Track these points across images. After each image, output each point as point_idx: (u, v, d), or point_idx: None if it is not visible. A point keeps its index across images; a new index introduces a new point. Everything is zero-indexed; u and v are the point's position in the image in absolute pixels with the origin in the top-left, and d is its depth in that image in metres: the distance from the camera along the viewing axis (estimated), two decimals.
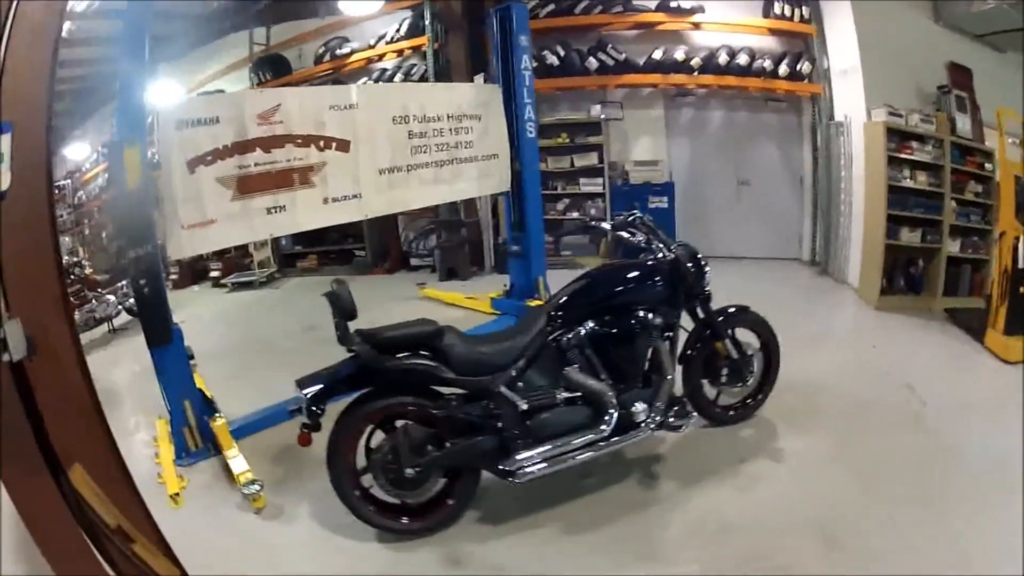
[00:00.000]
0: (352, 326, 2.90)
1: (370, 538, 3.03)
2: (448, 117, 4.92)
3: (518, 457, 3.01)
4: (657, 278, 3.36)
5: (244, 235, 3.86)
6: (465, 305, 6.21)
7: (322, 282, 6.79)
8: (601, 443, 3.12)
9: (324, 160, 4.08)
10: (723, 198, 7.86)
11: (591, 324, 3.20)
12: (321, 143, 4.05)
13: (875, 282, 5.97)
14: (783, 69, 7.16)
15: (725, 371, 3.65)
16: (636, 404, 3.18)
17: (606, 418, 3.11)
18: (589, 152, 8.03)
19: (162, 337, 3.44)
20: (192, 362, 3.76)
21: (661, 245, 3.49)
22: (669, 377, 3.28)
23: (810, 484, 3.29)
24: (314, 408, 2.84)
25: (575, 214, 8.01)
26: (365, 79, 8.39)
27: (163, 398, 3.60)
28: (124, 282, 6.35)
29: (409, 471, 2.93)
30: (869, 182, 6.10)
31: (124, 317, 6.44)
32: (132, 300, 6.22)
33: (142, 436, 3.90)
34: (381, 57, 8.42)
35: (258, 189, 3.76)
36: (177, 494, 3.33)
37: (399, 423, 2.99)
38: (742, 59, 7.31)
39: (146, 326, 3.45)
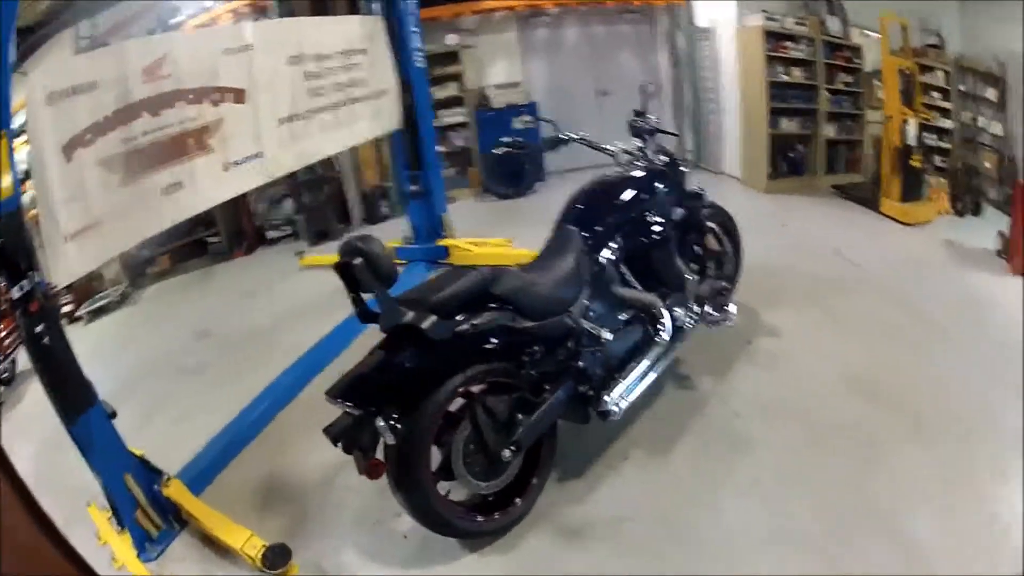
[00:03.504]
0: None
1: (457, 554, 2.50)
2: (339, 54, 4.15)
3: (605, 394, 2.72)
4: (664, 182, 3.30)
5: (142, 229, 2.85)
6: None
7: (180, 284, 5.82)
8: (664, 356, 2.98)
9: (220, 116, 3.14)
10: (584, 110, 7.74)
11: (619, 237, 3.02)
12: (215, 95, 3.11)
13: (762, 169, 6.56)
14: None
15: (711, 264, 3.66)
16: (676, 309, 3.05)
17: (660, 329, 2.94)
18: (448, 83, 7.52)
19: (82, 401, 2.42)
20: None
21: (656, 150, 3.44)
22: (689, 276, 3.23)
23: (818, 351, 3.58)
24: (393, 423, 2.18)
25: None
26: None
27: (96, 478, 2.57)
28: None
29: (506, 452, 2.43)
30: (747, 80, 6.57)
31: None
32: None
33: (79, 533, 2.70)
34: (215, 20, 7.18)
35: (150, 165, 2.79)
36: None
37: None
38: None
39: (57, 392, 2.38)
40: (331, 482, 2.93)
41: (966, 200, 5.47)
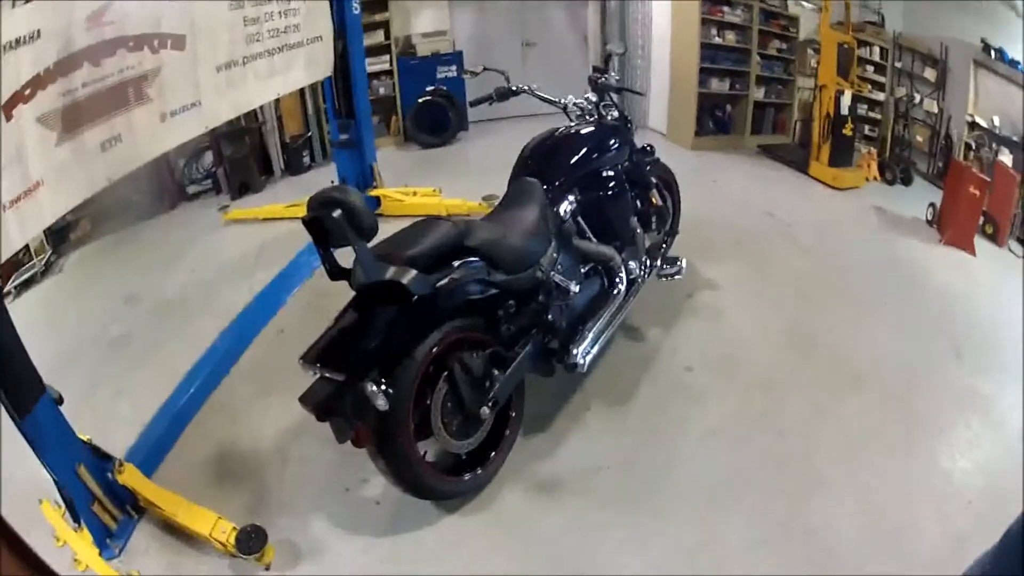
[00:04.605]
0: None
1: (433, 517, 2.46)
2: None
3: (572, 347, 2.75)
4: (617, 137, 3.27)
5: (80, 190, 2.55)
6: (287, 215, 5.20)
7: (103, 247, 5.35)
8: (622, 308, 3.07)
9: (159, 64, 2.86)
10: (508, 60, 7.54)
11: (578, 190, 2.99)
12: (155, 42, 2.81)
13: (688, 127, 6.71)
14: None
15: (654, 219, 3.65)
16: (631, 262, 3.15)
17: (618, 282, 3.05)
18: (375, 31, 7.16)
19: (33, 391, 2.14)
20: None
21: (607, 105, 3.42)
22: (639, 231, 3.28)
23: (756, 305, 3.75)
24: (385, 387, 2.07)
25: None
26: None
27: (49, 473, 2.28)
28: None
29: (484, 410, 2.40)
30: (679, 40, 6.64)
31: None
32: None
33: (36, 535, 2.43)
34: None
35: (88, 119, 2.50)
36: None
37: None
38: None
39: (6, 384, 2.06)
40: (287, 451, 2.81)
41: (895, 169, 5.78)
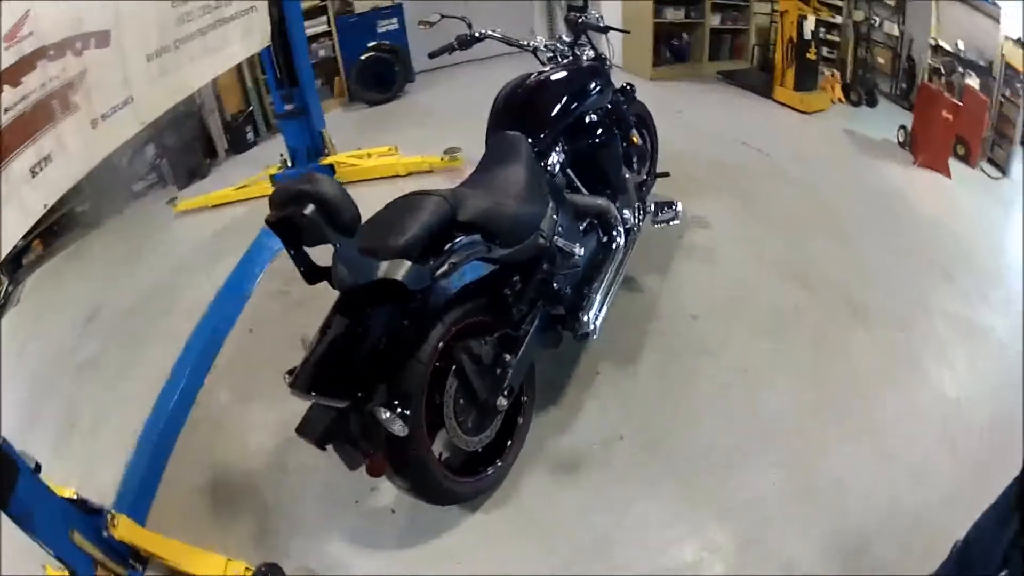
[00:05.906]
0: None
1: (455, 518, 2.31)
2: None
3: (582, 314, 2.58)
4: (598, 79, 3.06)
5: (15, 228, 2.27)
6: (238, 198, 4.97)
7: (57, 267, 5.00)
8: (623, 263, 2.94)
9: (84, 67, 2.56)
10: (450, 8, 7.31)
11: (563, 140, 2.81)
12: (78, 44, 2.50)
13: (646, 57, 6.59)
14: None
15: (635, 159, 3.50)
16: (625, 211, 2.99)
17: (616, 235, 2.88)
18: None
19: (9, 473, 1.90)
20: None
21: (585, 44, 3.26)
22: (629, 176, 3.14)
23: (750, 239, 3.71)
24: (401, 409, 1.88)
25: None
26: None
27: (43, 547, 2.05)
28: None
29: (501, 400, 2.22)
30: None
31: None
32: None
33: None
34: None
35: (15, 146, 2.21)
36: None
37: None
38: None
39: None
40: (283, 462, 2.62)
41: (860, 91, 5.74)
